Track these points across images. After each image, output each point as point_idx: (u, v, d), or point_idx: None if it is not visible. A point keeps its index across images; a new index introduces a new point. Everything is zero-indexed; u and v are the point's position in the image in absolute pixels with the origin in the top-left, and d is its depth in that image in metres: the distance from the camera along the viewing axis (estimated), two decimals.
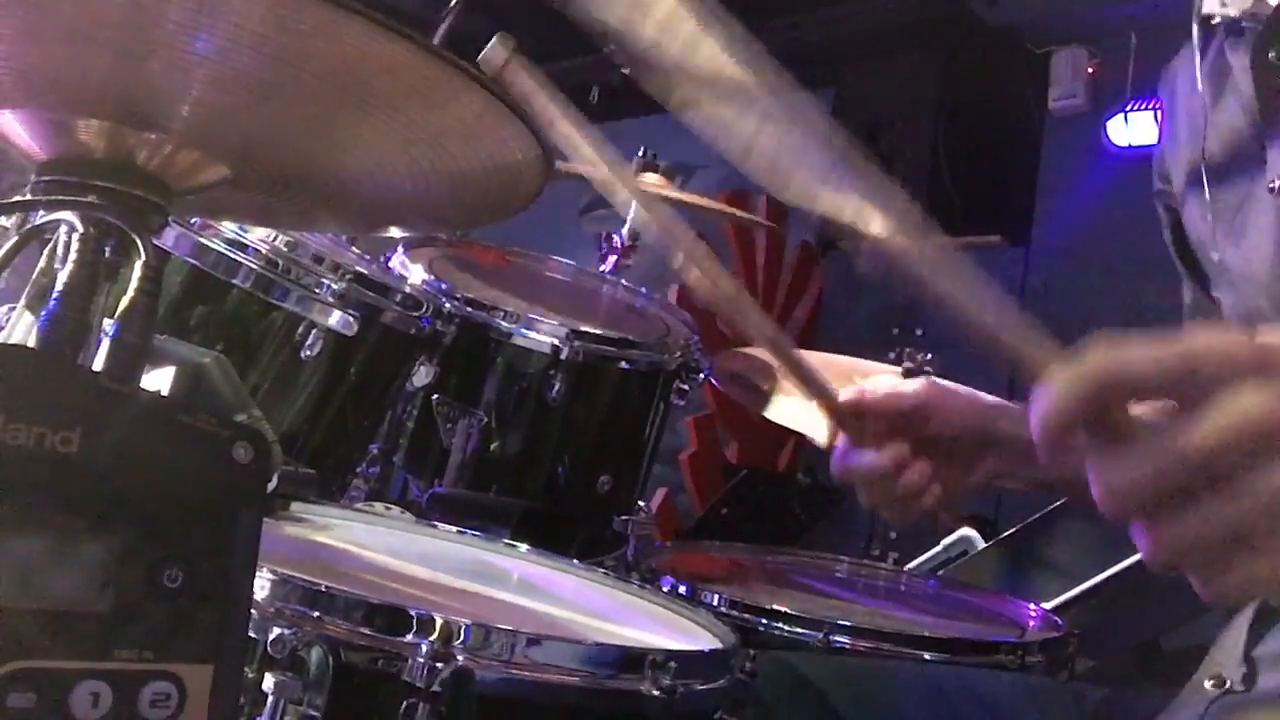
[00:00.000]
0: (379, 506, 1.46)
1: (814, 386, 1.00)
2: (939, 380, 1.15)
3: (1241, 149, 1.00)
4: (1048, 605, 2.03)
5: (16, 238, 0.72)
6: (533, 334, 1.82)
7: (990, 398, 1.15)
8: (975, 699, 1.13)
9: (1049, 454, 0.55)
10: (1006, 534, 2.57)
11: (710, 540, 1.95)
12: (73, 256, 0.70)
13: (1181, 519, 0.54)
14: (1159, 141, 1.20)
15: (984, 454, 1.12)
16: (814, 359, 1.87)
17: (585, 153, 0.80)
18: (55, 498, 0.55)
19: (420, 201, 0.85)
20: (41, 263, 0.72)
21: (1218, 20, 1.03)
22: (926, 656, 1.37)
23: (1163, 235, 1.18)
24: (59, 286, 0.70)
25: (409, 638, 0.88)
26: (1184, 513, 0.54)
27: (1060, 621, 1.65)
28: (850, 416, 1.04)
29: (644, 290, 2.16)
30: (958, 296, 0.63)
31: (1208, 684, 0.93)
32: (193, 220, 1.46)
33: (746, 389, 1.81)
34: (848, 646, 1.34)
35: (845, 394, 1.05)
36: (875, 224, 0.69)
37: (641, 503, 2.03)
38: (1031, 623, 1.67)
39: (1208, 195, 1.04)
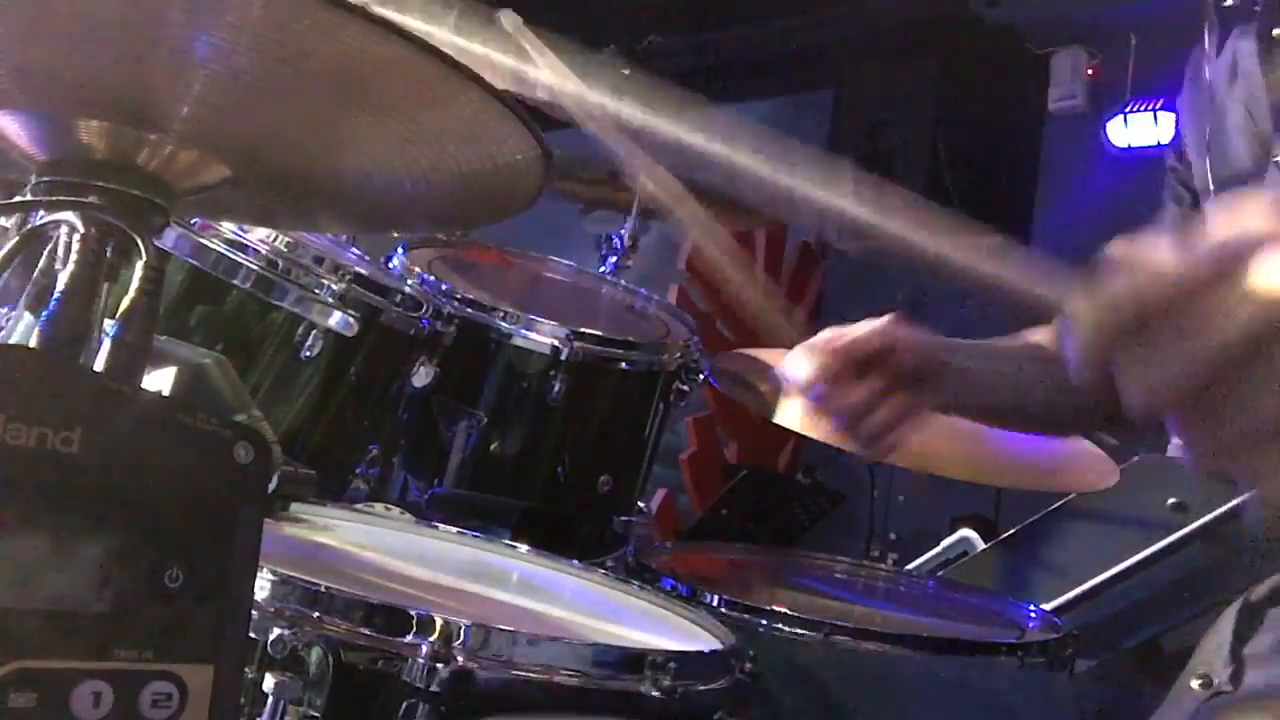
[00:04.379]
0: (379, 506, 1.46)
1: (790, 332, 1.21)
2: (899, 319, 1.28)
3: (1251, 132, 1.01)
4: (1048, 606, 2.03)
5: (17, 238, 0.72)
6: (532, 334, 1.82)
7: (944, 339, 1.31)
8: (975, 692, 1.14)
9: (1091, 382, 0.54)
10: (1006, 535, 2.56)
11: (710, 540, 1.95)
12: (73, 257, 0.70)
13: (1228, 405, 0.51)
14: (1175, 132, 1.23)
15: (939, 384, 1.28)
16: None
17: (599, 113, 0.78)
18: (56, 498, 0.55)
19: (420, 202, 0.85)
20: (42, 263, 0.72)
21: (1230, 3, 1.04)
22: (925, 657, 1.37)
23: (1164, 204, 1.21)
24: (60, 287, 0.70)
25: (409, 638, 0.88)
26: (1230, 398, 0.51)
27: (1060, 622, 1.65)
28: (829, 359, 1.21)
29: (644, 291, 2.16)
30: (963, 258, 0.62)
31: (1195, 684, 0.93)
32: (193, 221, 1.46)
33: (746, 390, 1.81)
34: (847, 647, 1.34)
35: (821, 339, 1.22)
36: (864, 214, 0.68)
37: (641, 503, 2.03)
38: (1031, 623, 1.67)
39: (1211, 185, 1.05)
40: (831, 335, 1.22)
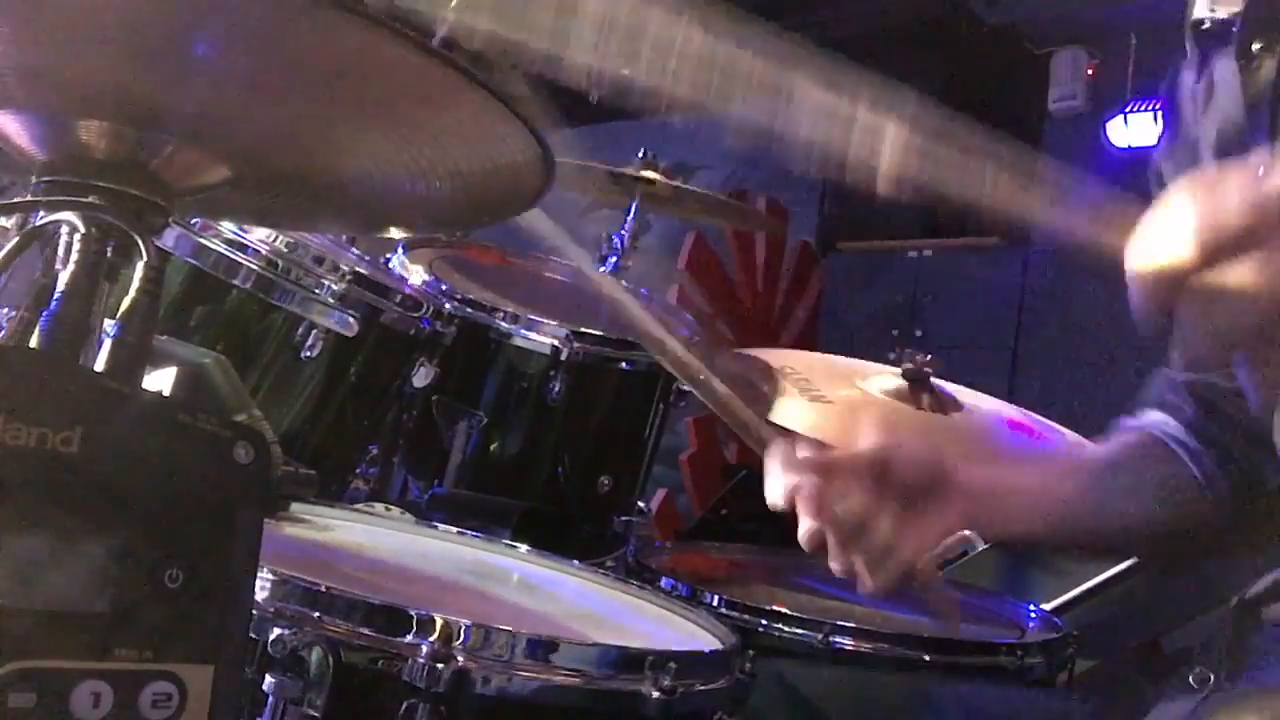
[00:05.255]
0: (379, 507, 1.46)
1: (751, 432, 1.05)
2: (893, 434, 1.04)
3: (1230, 150, 1.00)
4: (1048, 606, 2.03)
5: (18, 239, 0.72)
6: (533, 335, 1.82)
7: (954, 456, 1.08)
8: (969, 711, 1.14)
9: (1153, 316, 0.55)
10: None
11: (710, 540, 1.95)
12: (74, 257, 0.70)
13: None
14: (1158, 142, 1.20)
15: (947, 502, 1.04)
16: (814, 360, 1.88)
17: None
18: (56, 498, 0.55)
19: (420, 202, 0.85)
20: (42, 263, 0.72)
21: (1208, 25, 1.03)
22: (926, 657, 1.37)
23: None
24: (60, 287, 0.70)
25: (409, 638, 0.88)
26: None
27: (1060, 622, 1.65)
28: (818, 474, 0.99)
29: (644, 291, 2.16)
30: (1008, 190, 0.61)
31: (1193, 680, 0.94)
32: (193, 221, 1.46)
33: (746, 390, 1.81)
34: (848, 647, 1.34)
35: (806, 454, 1.01)
36: (888, 145, 0.66)
37: (641, 503, 2.03)
38: (1031, 623, 1.66)
39: None
40: (812, 453, 1.02)
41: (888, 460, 1.01)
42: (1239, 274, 0.52)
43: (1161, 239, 0.54)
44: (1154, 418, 1.17)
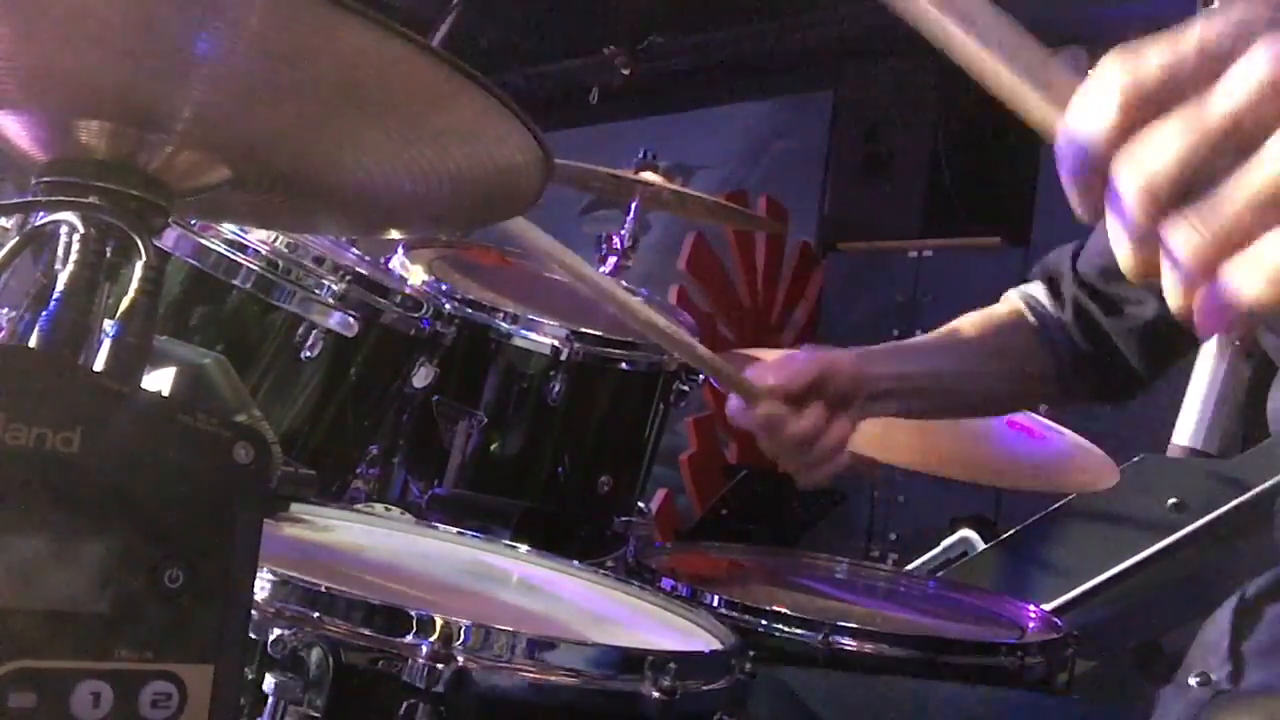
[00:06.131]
0: (379, 507, 1.46)
1: (734, 382, 1.30)
2: (818, 348, 1.34)
3: None
4: (1048, 606, 2.03)
5: (18, 239, 0.72)
6: (533, 335, 1.83)
7: (859, 349, 1.36)
8: (966, 717, 1.14)
9: (1086, 200, 0.54)
10: (1006, 535, 2.57)
11: (710, 541, 1.95)
12: (73, 257, 0.70)
13: (1219, 199, 0.48)
14: None
15: (875, 399, 1.32)
16: None
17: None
18: (55, 498, 0.55)
19: (420, 202, 0.85)
20: (42, 263, 0.72)
21: (1217, 5, 1.03)
22: (925, 657, 1.36)
23: None
24: (60, 287, 0.70)
25: (409, 638, 0.88)
26: (1220, 191, 0.48)
27: (1060, 623, 1.65)
28: (769, 397, 1.26)
29: (644, 291, 2.16)
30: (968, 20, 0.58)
31: (1193, 681, 0.93)
32: (193, 221, 1.46)
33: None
34: (847, 647, 1.34)
35: (754, 376, 1.29)
36: None
37: (641, 503, 2.03)
38: (1031, 624, 1.66)
39: None
40: (759, 374, 1.30)
41: (825, 376, 1.28)
42: (1164, 131, 0.50)
43: (1085, 104, 0.53)
44: (1033, 291, 1.47)
